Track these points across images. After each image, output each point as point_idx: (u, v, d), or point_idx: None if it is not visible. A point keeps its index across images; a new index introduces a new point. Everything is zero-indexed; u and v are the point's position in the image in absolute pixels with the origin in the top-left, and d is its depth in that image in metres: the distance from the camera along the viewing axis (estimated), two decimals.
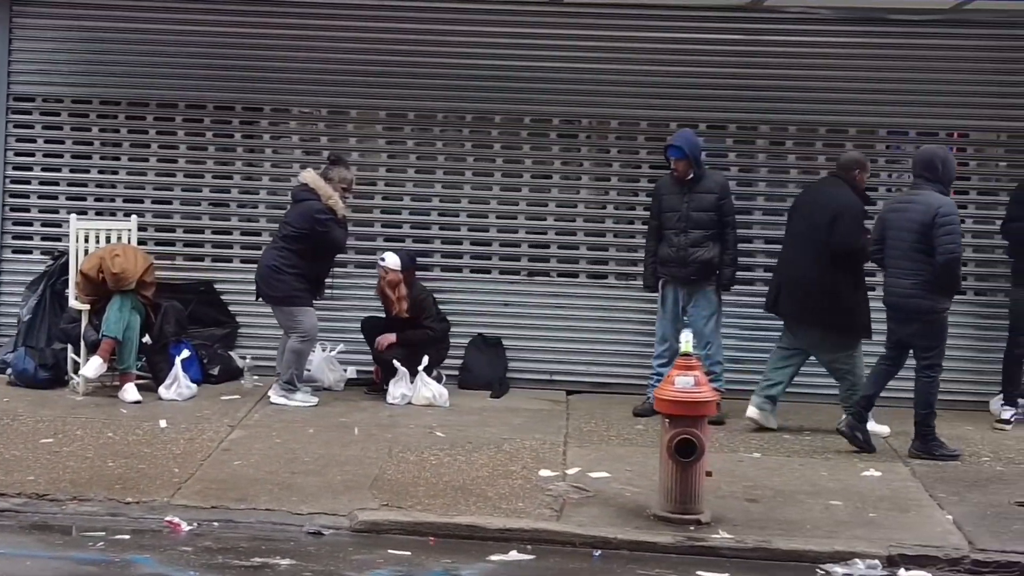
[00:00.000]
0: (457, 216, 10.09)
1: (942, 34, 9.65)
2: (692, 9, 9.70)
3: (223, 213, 10.16)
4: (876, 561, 6.40)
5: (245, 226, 10.11)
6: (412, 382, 9.25)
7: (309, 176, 9.17)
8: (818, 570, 6.36)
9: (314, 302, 9.18)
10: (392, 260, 9.30)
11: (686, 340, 6.97)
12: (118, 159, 10.14)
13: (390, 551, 6.30)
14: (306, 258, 9.03)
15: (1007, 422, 9.16)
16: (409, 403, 9.21)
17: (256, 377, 9.64)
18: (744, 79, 9.81)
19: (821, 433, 8.80)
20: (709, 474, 6.90)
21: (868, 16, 9.65)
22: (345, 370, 9.80)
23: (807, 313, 8.77)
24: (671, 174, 9.08)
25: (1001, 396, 9.35)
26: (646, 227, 9.37)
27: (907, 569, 6.37)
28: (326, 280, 9.31)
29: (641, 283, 9.42)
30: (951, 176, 8.29)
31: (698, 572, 6.25)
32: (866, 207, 8.77)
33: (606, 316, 9.95)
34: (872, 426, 8.76)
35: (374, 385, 9.59)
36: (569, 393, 9.81)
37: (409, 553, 6.30)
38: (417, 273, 9.61)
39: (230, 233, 10.13)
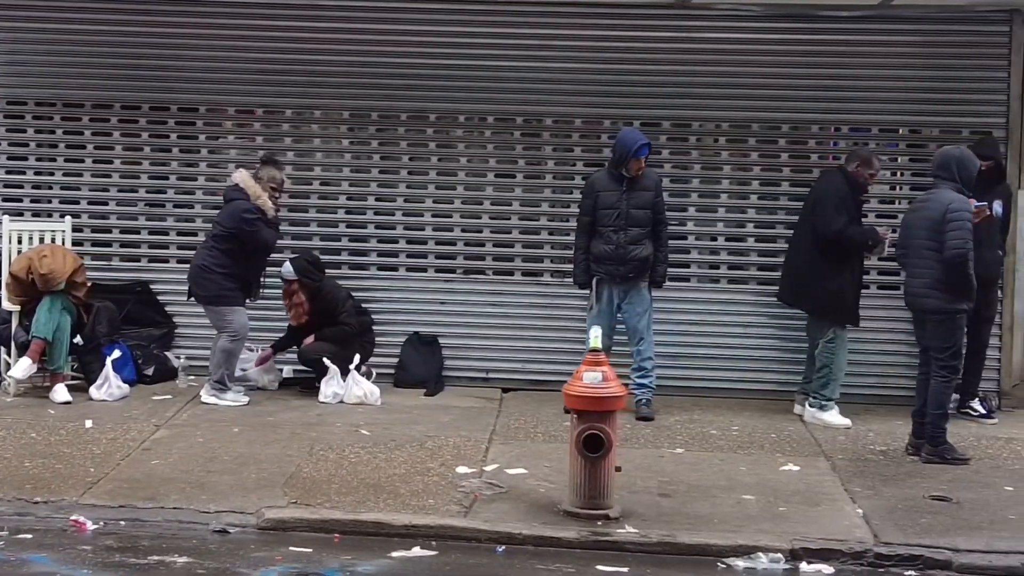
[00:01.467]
0: (393, 215, 10.10)
1: (871, 30, 9.67)
2: (622, 7, 9.72)
3: (159, 214, 10.16)
4: (779, 555, 6.42)
5: (181, 226, 10.12)
6: (344, 381, 9.28)
7: (240, 176, 9.19)
8: (719, 564, 6.38)
9: (248, 302, 9.20)
10: (286, 269, 9.35)
11: (595, 336, 6.99)
12: (53, 160, 10.16)
13: (292, 548, 6.31)
14: (235, 258, 9.04)
15: (986, 415, 9.14)
16: (341, 402, 9.23)
17: (192, 377, 9.64)
18: (676, 77, 9.83)
19: (750, 428, 8.83)
20: (618, 469, 6.92)
21: (797, 13, 9.67)
22: (281, 370, 9.82)
23: (797, 296, 9.17)
24: (610, 171, 9.04)
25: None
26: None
27: (809, 563, 6.39)
28: (261, 281, 9.30)
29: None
30: (968, 175, 8.06)
31: (598, 567, 6.26)
32: (861, 201, 8.95)
33: (541, 314, 9.97)
34: (832, 416, 8.98)
35: (309, 384, 9.60)
36: (505, 391, 9.83)
37: (311, 550, 6.32)
38: (353, 272, 9.65)
39: (166, 234, 10.14)
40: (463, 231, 10.05)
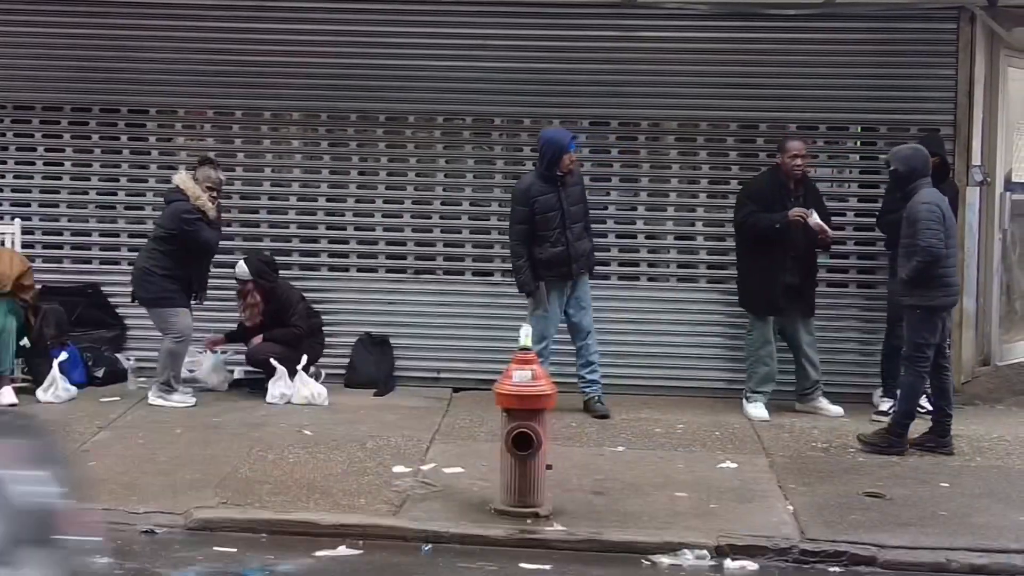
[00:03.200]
0: (343, 216, 10.11)
1: (818, 28, 9.69)
2: (570, 6, 9.73)
3: (110, 216, 10.18)
4: (705, 552, 6.45)
5: (132, 228, 10.12)
6: (292, 381, 9.29)
7: (180, 178, 9.21)
8: (644, 561, 6.39)
9: (193, 303, 9.22)
10: (240, 269, 9.37)
11: (525, 334, 7.00)
12: (4, 163, 10.16)
13: (216, 548, 6.34)
14: (177, 259, 9.05)
15: (884, 413, 9.18)
16: (289, 402, 9.23)
17: (142, 379, 9.62)
18: (624, 76, 9.85)
19: (695, 426, 8.85)
20: (549, 467, 6.93)
21: (743, 11, 9.70)
22: (232, 372, 9.83)
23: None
24: (541, 174, 8.92)
25: (881, 389, 9.40)
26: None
27: (734, 559, 6.41)
28: (205, 283, 9.31)
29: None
30: (918, 170, 8.15)
31: (522, 564, 6.28)
32: (792, 190, 8.99)
33: (492, 313, 9.96)
34: (754, 408, 9.14)
35: (258, 386, 9.60)
36: (456, 390, 9.83)
37: (236, 550, 6.34)
38: (304, 273, 9.67)
39: (117, 236, 10.16)
40: (413, 231, 10.06)
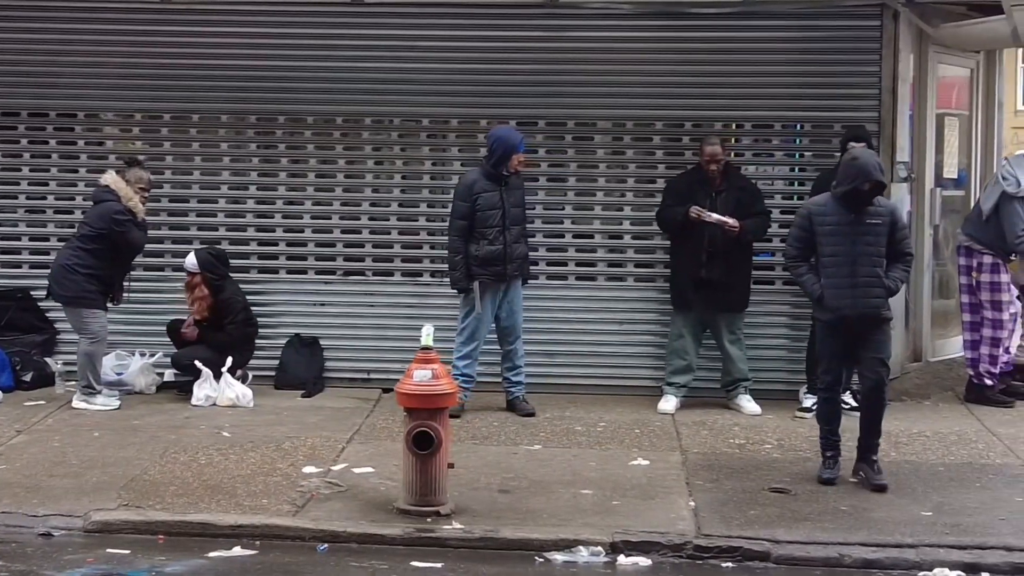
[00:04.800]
0: (272, 218, 10.13)
1: (742, 26, 9.70)
2: (493, 7, 9.75)
3: (40, 220, 10.19)
4: (600, 548, 6.46)
5: (62, 232, 10.04)
6: (218, 383, 9.30)
7: (110, 178, 9.21)
8: (537, 558, 6.41)
9: (110, 305, 9.23)
10: (189, 261, 9.37)
11: (426, 334, 7.01)
12: None
13: (110, 550, 6.34)
14: (101, 259, 9.06)
15: (808, 410, 9.20)
16: (214, 404, 9.25)
17: (71, 383, 9.61)
18: (550, 76, 9.85)
19: (617, 424, 8.87)
20: (451, 466, 6.96)
21: (666, 11, 9.71)
22: (162, 374, 9.83)
23: None
24: (487, 172, 9.00)
25: (806, 386, 9.42)
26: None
27: (628, 555, 6.42)
28: (124, 284, 9.31)
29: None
30: (844, 174, 7.52)
31: (413, 563, 6.29)
32: (703, 186, 9.11)
33: (420, 314, 9.89)
34: (664, 402, 9.29)
35: (187, 388, 9.60)
36: (386, 391, 9.78)
37: (129, 551, 6.34)
38: (234, 275, 9.69)
39: (47, 240, 10.14)
40: (342, 232, 10.08)
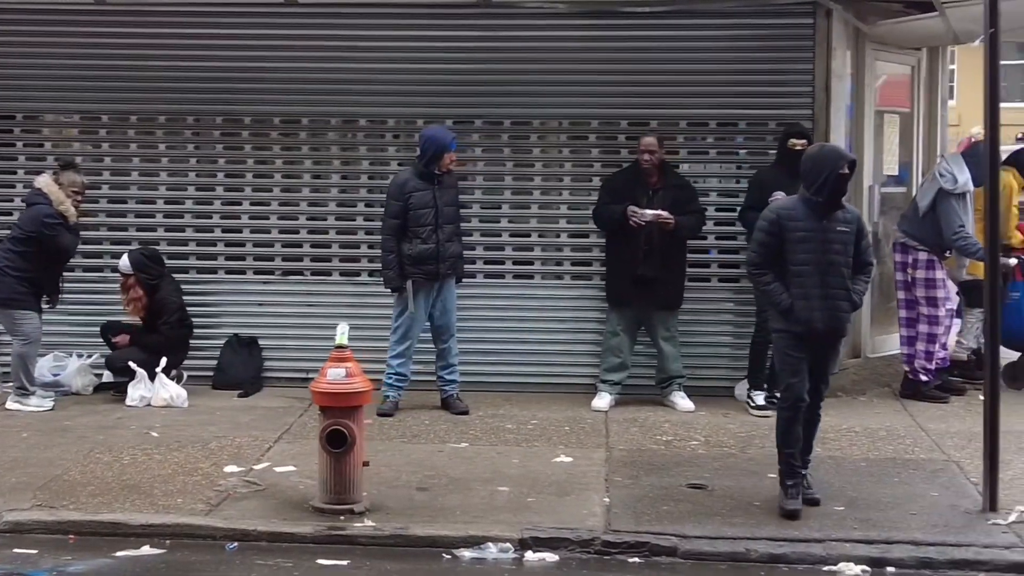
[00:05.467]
0: (210, 218, 10.15)
1: (675, 25, 9.72)
2: (427, 7, 9.78)
3: None
4: (508, 544, 6.49)
5: None
6: (152, 384, 9.32)
7: (43, 181, 9.23)
8: (445, 555, 6.44)
9: (44, 308, 9.25)
10: (123, 263, 9.40)
11: (341, 332, 7.05)
12: None
13: (17, 550, 6.36)
14: (32, 262, 9.09)
15: (762, 408, 9.17)
16: (148, 405, 9.27)
17: (9, 385, 9.65)
18: (486, 75, 9.86)
19: (548, 422, 8.90)
20: (366, 464, 6.98)
21: (600, 10, 9.76)
22: (99, 375, 9.84)
23: None
24: (419, 171, 9.03)
25: (746, 381, 9.45)
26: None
27: (535, 551, 6.45)
28: (59, 287, 9.33)
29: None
30: (816, 166, 6.99)
31: (319, 560, 6.32)
32: (639, 182, 9.18)
33: (358, 313, 9.94)
34: (598, 399, 9.33)
35: (123, 389, 9.62)
36: None
37: (37, 551, 6.36)
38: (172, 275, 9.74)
39: None
40: (280, 232, 10.10)
